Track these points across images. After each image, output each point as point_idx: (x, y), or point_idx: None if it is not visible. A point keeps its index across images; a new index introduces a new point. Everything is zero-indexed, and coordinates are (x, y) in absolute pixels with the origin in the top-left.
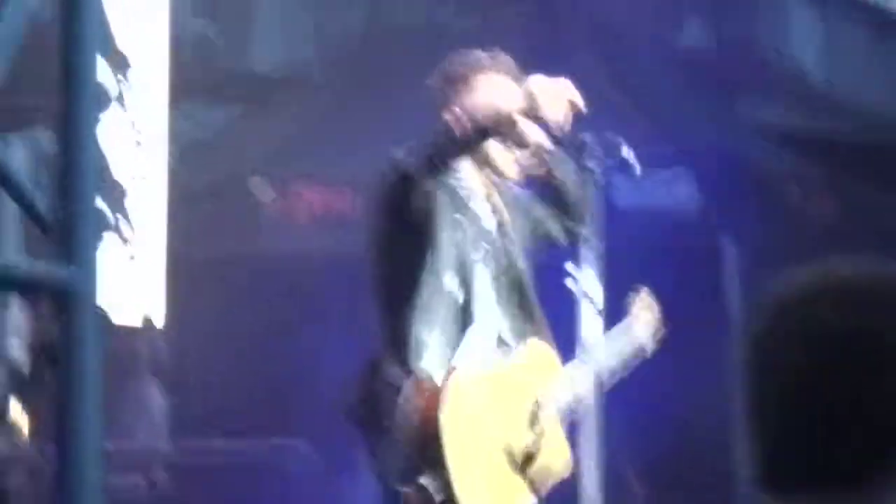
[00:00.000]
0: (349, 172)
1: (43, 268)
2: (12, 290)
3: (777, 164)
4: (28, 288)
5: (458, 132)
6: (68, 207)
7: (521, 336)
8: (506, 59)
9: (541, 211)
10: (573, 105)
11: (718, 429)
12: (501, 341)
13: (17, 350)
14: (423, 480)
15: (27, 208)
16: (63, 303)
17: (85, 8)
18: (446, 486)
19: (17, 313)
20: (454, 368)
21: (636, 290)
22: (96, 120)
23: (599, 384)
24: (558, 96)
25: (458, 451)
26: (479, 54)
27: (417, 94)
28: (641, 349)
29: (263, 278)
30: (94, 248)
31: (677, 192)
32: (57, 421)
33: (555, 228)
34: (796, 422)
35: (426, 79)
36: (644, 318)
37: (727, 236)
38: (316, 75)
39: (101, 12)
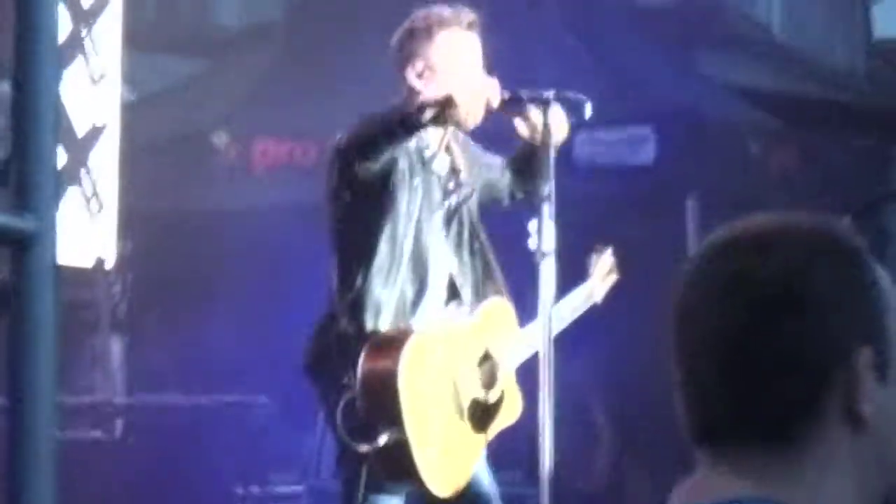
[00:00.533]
0: (311, 124)
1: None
2: None
3: (737, 118)
4: None
5: (415, 110)
6: (26, 155)
7: (479, 294)
8: (468, 14)
9: (496, 172)
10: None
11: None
12: (459, 299)
13: None
14: (381, 440)
15: None
16: (20, 252)
17: None
18: (404, 444)
19: None
20: (412, 328)
21: (599, 251)
22: (54, 66)
23: (552, 337)
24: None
25: (415, 410)
26: (442, 9)
27: (379, 48)
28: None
29: (223, 230)
30: (53, 197)
31: (639, 148)
32: (9, 373)
33: (506, 191)
34: (722, 371)
35: (388, 33)
36: (605, 280)
37: (689, 191)
38: (278, 29)
39: None
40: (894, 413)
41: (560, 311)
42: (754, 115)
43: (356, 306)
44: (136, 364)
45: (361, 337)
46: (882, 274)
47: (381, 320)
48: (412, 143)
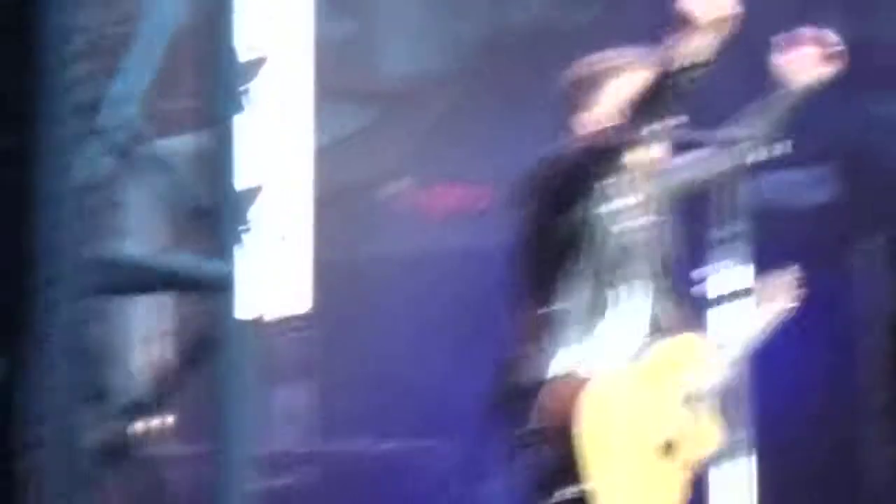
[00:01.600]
0: (486, 170)
1: (197, 262)
2: (169, 289)
3: None
4: (182, 285)
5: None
6: (219, 204)
7: (669, 329)
8: (635, 54)
9: (677, 175)
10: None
11: (852, 421)
12: (649, 335)
13: (157, 349)
14: (564, 494)
15: (178, 205)
16: (218, 299)
17: (227, 13)
18: (587, 498)
19: (151, 311)
20: (593, 369)
21: (778, 274)
22: (239, 120)
23: (741, 363)
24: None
25: (600, 459)
26: (608, 55)
27: (549, 93)
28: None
29: (407, 277)
30: (244, 244)
31: (816, 189)
32: (213, 419)
33: (699, 181)
34: None
35: (556, 78)
36: (777, 297)
37: (865, 233)
38: (452, 76)
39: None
40: None
41: (746, 335)
42: None
43: (545, 344)
44: (324, 411)
45: (549, 379)
46: None
47: (572, 357)
48: (606, 187)
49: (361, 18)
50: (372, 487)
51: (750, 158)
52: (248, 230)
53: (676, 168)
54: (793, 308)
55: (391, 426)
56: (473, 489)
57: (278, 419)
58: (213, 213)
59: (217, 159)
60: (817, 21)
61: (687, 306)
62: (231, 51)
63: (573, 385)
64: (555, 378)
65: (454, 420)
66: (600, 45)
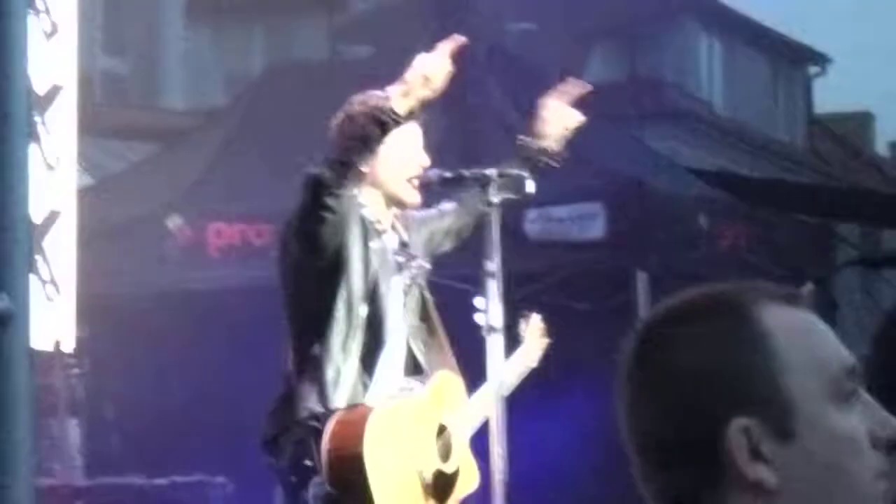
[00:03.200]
0: (263, 206)
1: None
2: None
3: (686, 192)
4: None
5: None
6: (1, 236)
7: (430, 365)
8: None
9: (434, 221)
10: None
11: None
12: (420, 371)
13: None
14: None
15: None
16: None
17: (16, 45)
18: None
19: None
20: (372, 404)
21: (526, 317)
22: (26, 153)
23: (501, 404)
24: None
25: (383, 490)
26: (380, 94)
27: (324, 128)
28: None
29: (177, 313)
30: (27, 279)
31: (589, 224)
32: None
33: (448, 240)
34: (635, 453)
35: (332, 112)
36: (537, 343)
37: (638, 265)
38: (228, 113)
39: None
40: (802, 471)
41: (504, 378)
42: (703, 189)
43: (314, 380)
44: (95, 447)
45: (323, 414)
46: (787, 328)
47: (339, 392)
48: (364, 213)
49: (140, 54)
50: None
51: (497, 198)
52: (34, 263)
53: (432, 216)
54: (540, 355)
55: (161, 462)
56: None
57: (47, 454)
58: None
59: (6, 191)
60: (598, 58)
61: (447, 345)
62: (22, 82)
63: (356, 419)
64: (337, 416)
65: (226, 455)
66: (373, 82)
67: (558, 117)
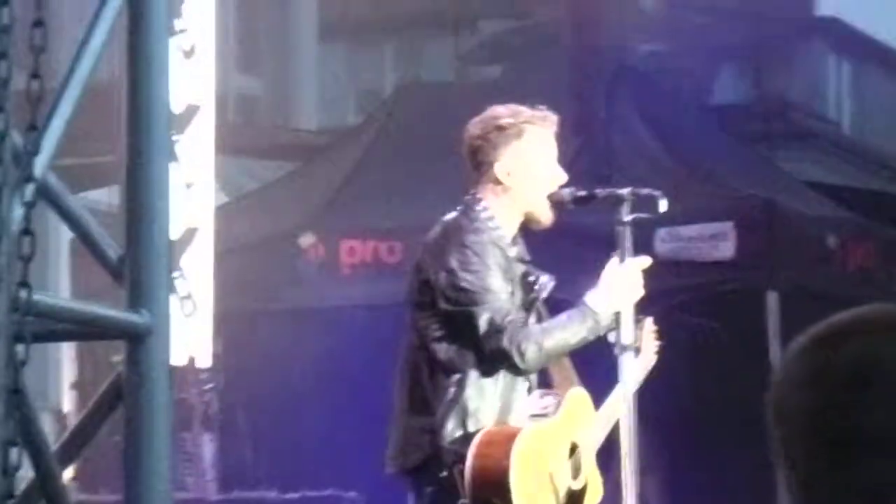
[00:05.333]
0: (392, 223)
1: (119, 313)
2: (89, 337)
3: (815, 212)
4: (104, 334)
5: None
6: (141, 254)
7: (556, 381)
8: (551, 116)
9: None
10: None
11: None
12: (541, 389)
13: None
14: None
15: (99, 255)
16: (136, 347)
17: (157, 65)
18: None
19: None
20: (513, 425)
21: (640, 322)
22: (167, 168)
23: (629, 412)
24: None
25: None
26: (528, 108)
27: (454, 146)
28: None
29: (310, 330)
30: (168, 294)
31: (719, 243)
32: (126, 467)
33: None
34: (816, 458)
35: (462, 132)
36: (651, 347)
37: (769, 285)
38: (361, 131)
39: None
40: None
41: (626, 386)
42: (832, 209)
43: (456, 401)
44: (229, 461)
45: (465, 436)
46: None
47: (481, 414)
48: (499, 233)
49: (273, 73)
50: None
51: (629, 217)
52: (175, 280)
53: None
54: (654, 359)
55: (293, 477)
56: None
57: (181, 468)
58: (137, 264)
59: (144, 209)
60: (726, 80)
61: (568, 361)
62: (164, 101)
63: (504, 436)
64: (470, 432)
65: (357, 471)
66: (503, 102)
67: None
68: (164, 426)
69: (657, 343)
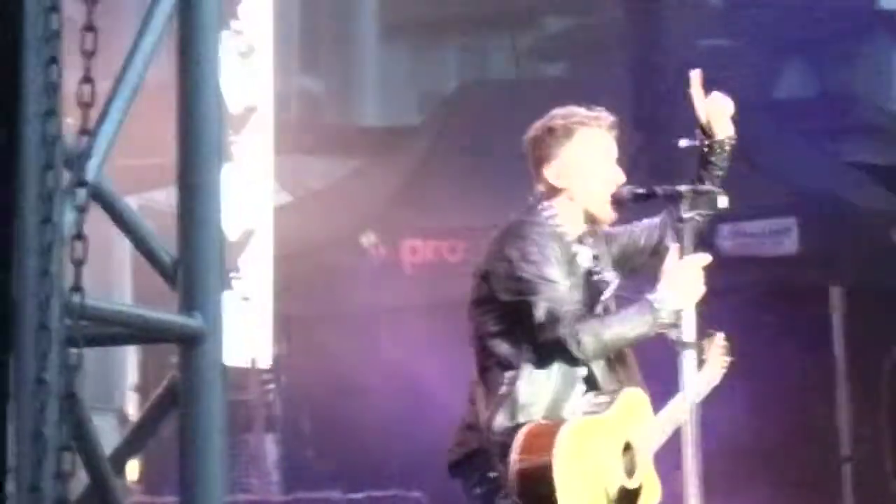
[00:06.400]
0: (457, 223)
1: (171, 316)
2: (143, 341)
3: (880, 206)
4: (157, 337)
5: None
6: (194, 257)
7: (618, 380)
8: (607, 116)
9: (625, 239)
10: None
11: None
12: (598, 389)
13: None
14: None
15: (152, 259)
16: (190, 350)
17: (207, 66)
18: None
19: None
20: (563, 420)
21: (711, 335)
22: (218, 171)
23: (694, 419)
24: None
25: (568, 501)
26: (581, 109)
27: (516, 145)
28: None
29: (374, 329)
30: (219, 297)
31: (782, 239)
32: (181, 469)
33: (641, 256)
34: None
35: (524, 130)
36: (719, 361)
37: (833, 280)
38: (424, 130)
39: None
40: None
41: (688, 396)
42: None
43: (507, 396)
44: (292, 462)
45: (513, 428)
46: None
47: (532, 409)
48: (561, 231)
49: (336, 72)
50: None
51: (689, 213)
52: (230, 283)
53: (621, 233)
54: (723, 373)
55: (357, 477)
56: None
57: (244, 470)
58: (190, 268)
59: (196, 212)
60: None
61: (633, 360)
62: (215, 103)
63: (548, 431)
64: (519, 425)
65: (421, 471)
66: (565, 100)
67: (715, 108)
68: (218, 428)
69: (726, 359)
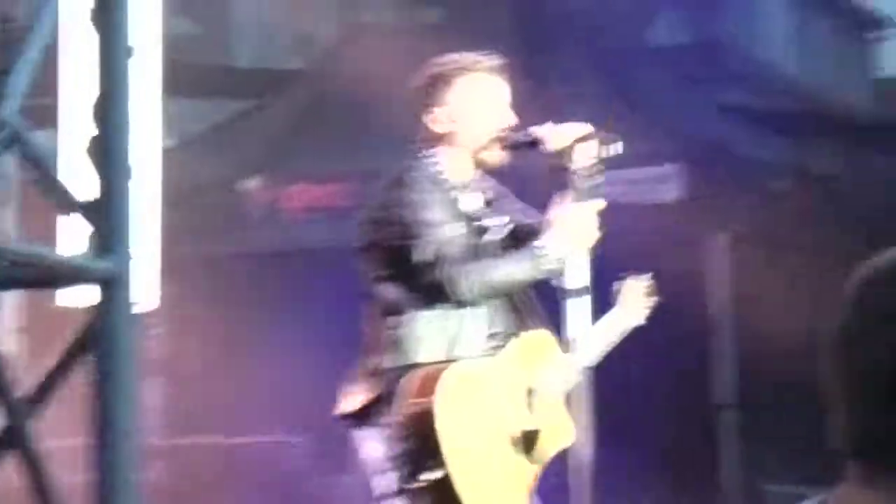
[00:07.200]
0: (342, 167)
1: (89, 260)
2: (55, 284)
3: (758, 152)
4: (72, 279)
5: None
6: (109, 200)
7: (517, 324)
8: (490, 59)
9: (517, 204)
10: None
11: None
12: (498, 331)
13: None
14: (424, 477)
15: (64, 201)
16: (105, 292)
17: (119, 9)
18: (447, 481)
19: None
20: (447, 364)
21: (623, 278)
22: (127, 115)
23: (589, 367)
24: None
25: (457, 446)
26: (462, 55)
27: (399, 91)
28: (629, 329)
29: (258, 273)
30: (128, 239)
31: (665, 186)
32: (95, 410)
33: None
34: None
35: (407, 75)
36: (633, 304)
37: (716, 227)
38: (309, 75)
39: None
40: None
41: (597, 338)
42: (779, 152)
43: (394, 340)
44: (175, 406)
45: (403, 374)
46: None
47: (421, 355)
48: (446, 177)
49: (211, 16)
50: (223, 481)
51: (581, 159)
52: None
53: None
54: (646, 316)
55: (242, 422)
56: (327, 482)
57: None
58: (105, 211)
59: (113, 154)
60: (665, 22)
61: (535, 303)
62: (123, 44)
63: (431, 375)
64: (413, 368)
65: (306, 416)
66: (447, 46)
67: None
68: (133, 370)
69: (650, 300)
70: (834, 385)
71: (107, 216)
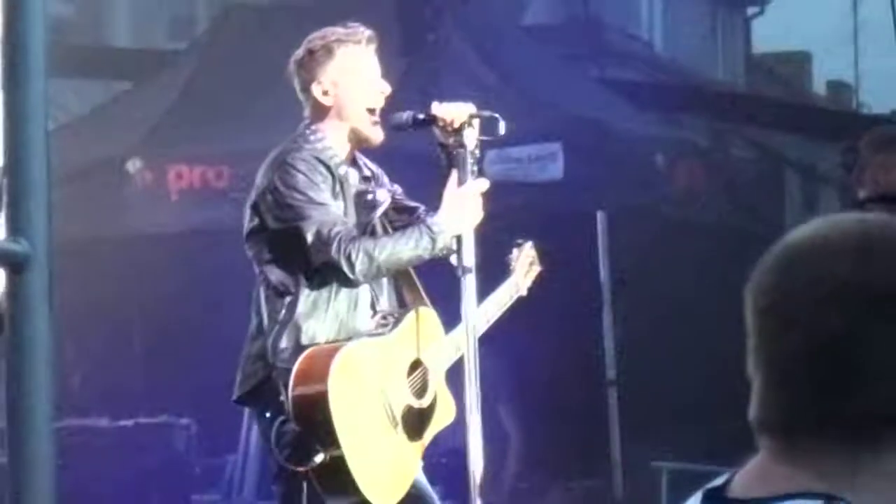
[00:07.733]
0: (223, 149)
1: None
2: None
3: (642, 130)
4: None
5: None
6: (20, 180)
7: (401, 302)
8: (364, 31)
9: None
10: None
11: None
12: (385, 309)
13: None
14: (317, 458)
15: None
16: (16, 275)
17: None
18: (340, 461)
19: None
20: (338, 345)
21: (520, 245)
22: (43, 90)
23: (476, 340)
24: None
25: (348, 426)
26: (339, 28)
27: (278, 71)
28: (514, 299)
29: (138, 256)
30: (45, 219)
31: (548, 164)
32: (8, 396)
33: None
34: (815, 370)
35: (286, 55)
36: (528, 273)
37: (597, 205)
38: (187, 55)
39: None
40: None
41: (486, 309)
42: (660, 129)
43: (288, 321)
44: (57, 389)
45: (295, 355)
46: None
47: (317, 338)
48: (326, 154)
49: None
50: (107, 463)
51: (468, 138)
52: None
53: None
54: (532, 284)
55: (125, 405)
56: (214, 463)
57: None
58: (16, 191)
59: (20, 136)
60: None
61: (416, 280)
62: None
63: (324, 355)
64: (304, 349)
65: (190, 397)
66: (327, 23)
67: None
68: (47, 354)
69: (535, 269)
70: (758, 360)
71: (17, 198)
